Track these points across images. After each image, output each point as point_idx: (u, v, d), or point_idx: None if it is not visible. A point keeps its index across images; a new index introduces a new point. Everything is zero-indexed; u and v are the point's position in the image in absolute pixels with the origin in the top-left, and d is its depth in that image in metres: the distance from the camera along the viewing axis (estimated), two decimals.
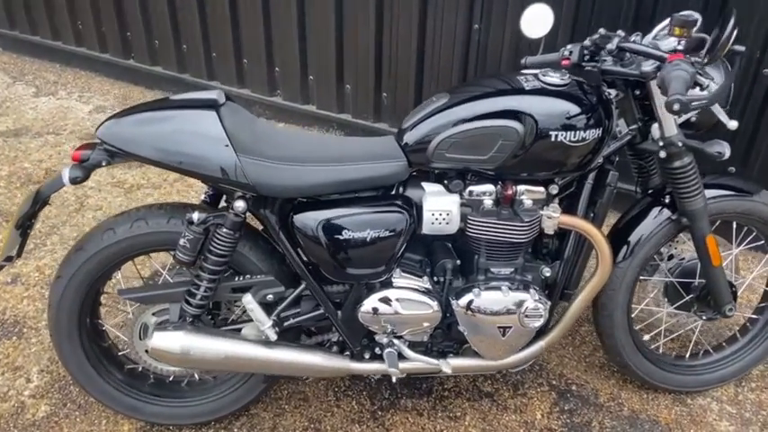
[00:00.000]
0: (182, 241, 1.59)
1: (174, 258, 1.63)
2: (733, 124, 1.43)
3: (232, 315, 1.85)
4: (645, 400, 2.10)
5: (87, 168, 1.55)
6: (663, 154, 1.72)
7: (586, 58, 1.86)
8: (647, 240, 1.86)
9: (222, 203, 1.84)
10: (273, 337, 1.67)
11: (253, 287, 1.70)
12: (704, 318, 2.00)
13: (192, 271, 1.70)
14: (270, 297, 1.70)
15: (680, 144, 1.68)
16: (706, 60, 1.34)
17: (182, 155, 1.52)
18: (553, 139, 1.60)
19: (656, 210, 1.88)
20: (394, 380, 1.69)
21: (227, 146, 1.52)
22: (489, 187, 1.69)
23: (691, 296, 1.98)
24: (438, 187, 1.72)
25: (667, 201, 1.86)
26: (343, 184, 1.63)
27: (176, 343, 1.62)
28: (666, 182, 1.89)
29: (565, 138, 1.60)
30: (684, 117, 1.71)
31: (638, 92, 1.75)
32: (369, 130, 3.58)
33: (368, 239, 1.64)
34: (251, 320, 1.74)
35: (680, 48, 1.54)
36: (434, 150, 1.64)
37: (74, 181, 1.52)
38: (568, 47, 1.91)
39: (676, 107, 1.33)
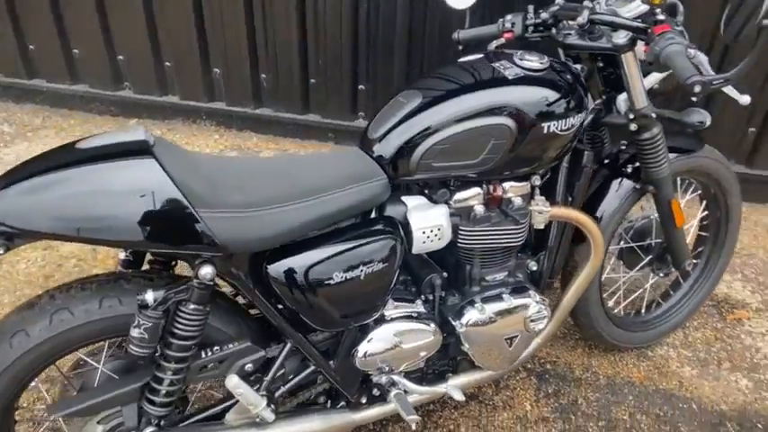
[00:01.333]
0: (135, 332, 1.21)
1: (127, 353, 1.25)
2: (746, 99, 1.38)
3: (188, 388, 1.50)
4: (614, 363, 2.13)
5: None
6: (633, 126, 1.65)
7: (530, 29, 1.72)
8: (613, 215, 1.81)
9: (148, 258, 1.47)
10: (271, 417, 1.37)
11: (227, 360, 1.37)
12: (662, 275, 2.05)
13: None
14: (249, 366, 1.39)
15: (653, 115, 1.62)
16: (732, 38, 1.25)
17: (118, 223, 1.12)
18: (545, 131, 1.45)
19: (616, 182, 1.83)
20: (414, 427, 1.49)
21: (181, 202, 1.15)
22: (476, 191, 1.51)
23: (650, 257, 2.00)
24: (421, 200, 1.50)
25: (629, 170, 1.82)
26: (324, 220, 1.34)
27: None
28: (621, 149, 1.86)
29: (557, 128, 1.46)
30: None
31: (601, 64, 1.65)
32: (249, 117, 3.18)
33: (361, 277, 1.38)
34: (229, 398, 1.42)
35: (661, 17, 1.45)
36: (419, 161, 1.41)
37: None
38: (508, 17, 1.76)
39: (697, 89, 1.24)
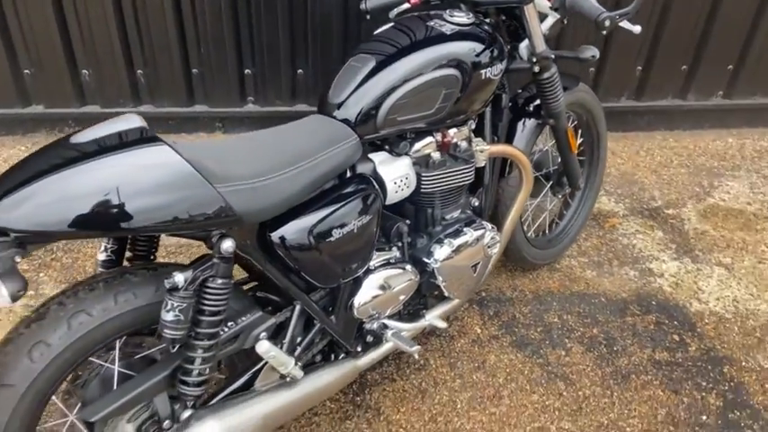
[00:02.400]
0: (168, 316, 1.22)
1: (161, 338, 1.25)
2: (637, 29, 1.69)
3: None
4: (533, 280, 2.46)
5: (18, 274, 1.04)
6: (536, 69, 1.93)
7: None
8: (525, 150, 2.09)
9: (127, 253, 1.47)
10: (300, 374, 1.45)
11: (243, 332, 1.42)
12: (559, 196, 2.40)
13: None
14: (263, 335, 1.44)
15: (552, 56, 1.90)
16: None
17: (142, 212, 1.12)
18: (483, 77, 1.66)
19: (521, 122, 2.11)
20: (417, 356, 1.64)
21: (201, 180, 1.18)
22: (430, 139, 1.69)
23: (551, 183, 2.33)
24: (384, 155, 1.64)
25: (531, 109, 2.10)
26: (316, 183, 1.43)
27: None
28: (519, 93, 2.14)
29: (491, 73, 1.68)
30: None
31: (503, 18, 1.90)
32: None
33: (354, 230, 1.50)
34: (247, 371, 1.47)
35: None
36: (385, 117, 1.55)
37: (16, 296, 1.02)
38: None
39: (608, 23, 1.52)
